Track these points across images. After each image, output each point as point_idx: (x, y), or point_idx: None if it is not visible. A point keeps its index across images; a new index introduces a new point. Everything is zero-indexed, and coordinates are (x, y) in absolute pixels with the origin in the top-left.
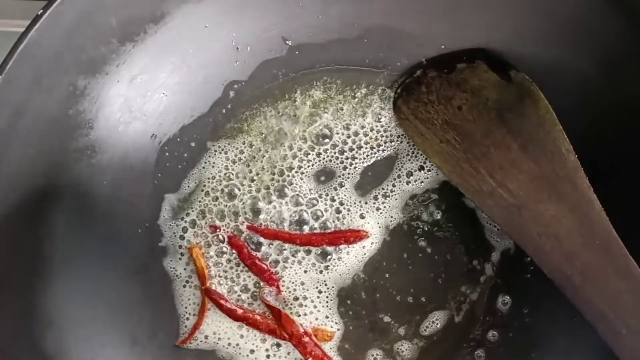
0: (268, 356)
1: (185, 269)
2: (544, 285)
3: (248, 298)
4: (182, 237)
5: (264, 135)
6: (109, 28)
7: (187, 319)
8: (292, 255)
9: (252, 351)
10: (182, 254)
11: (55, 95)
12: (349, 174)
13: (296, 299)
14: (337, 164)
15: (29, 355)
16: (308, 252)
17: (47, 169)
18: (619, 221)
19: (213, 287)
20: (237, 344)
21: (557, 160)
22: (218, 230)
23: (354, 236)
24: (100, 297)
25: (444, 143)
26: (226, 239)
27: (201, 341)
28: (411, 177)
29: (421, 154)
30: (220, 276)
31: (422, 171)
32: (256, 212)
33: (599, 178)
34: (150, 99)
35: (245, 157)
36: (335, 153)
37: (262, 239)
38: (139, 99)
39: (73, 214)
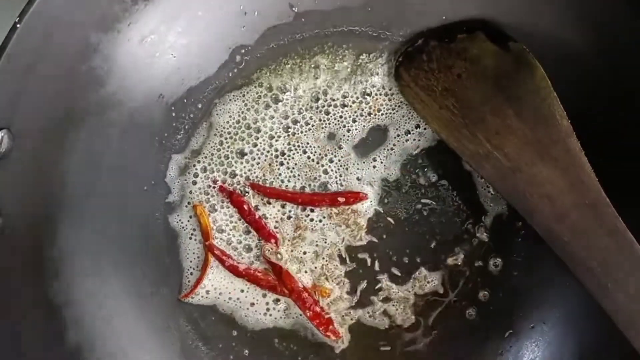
0: (268, 309)
1: (189, 221)
2: (534, 249)
3: (250, 257)
4: (188, 193)
5: (268, 96)
6: None
7: (191, 273)
8: (294, 214)
9: (252, 304)
10: (188, 203)
11: (68, 51)
12: (349, 136)
13: (296, 257)
14: (340, 126)
15: (36, 305)
16: (311, 211)
17: (59, 122)
18: (608, 184)
19: (216, 244)
20: (238, 298)
21: (551, 125)
22: (222, 187)
23: (353, 197)
24: (106, 251)
25: (443, 109)
26: (227, 195)
27: (202, 296)
28: (409, 135)
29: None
30: (222, 232)
31: (418, 129)
32: (255, 168)
33: (590, 143)
34: (159, 59)
35: (250, 115)
36: (336, 115)
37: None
38: (148, 59)
39: (82, 167)
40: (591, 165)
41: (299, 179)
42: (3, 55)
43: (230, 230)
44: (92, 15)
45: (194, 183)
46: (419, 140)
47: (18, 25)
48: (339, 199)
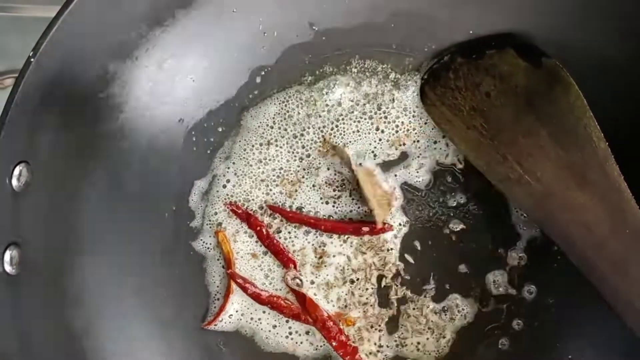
0: (290, 332)
1: (213, 243)
2: (571, 276)
3: (273, 284)
4: (211, 217)
5: (287, 116)
6: (138, 13)
7: (217, 298)
8: (316, 238)
9: (274, 326)
10: (213, 224)
11: (86, 79)
12: (374, 153)
13: (320, 283)
14: (363, 144)
15: (58, 333)
16: (330, 237)
17: (78, 152)
18: None
19: (239, 269)
20: (259, 319)
21: (587, 147)
22: (234, 210)
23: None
24: (128, 278)
25: (471, 130)
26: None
27: (225, 322)
28: (436, 144)
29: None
30: (245, 258)
31: (444, 138)
32: (276, 189)
33: (629, 166)
34: (178, 83)
35: (271, 137)
36: (359, 133)
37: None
38: (167, 83)
39: (102, 196)
40: (633, 190)
41: (321, 199)
42: (19, 90)
43: (254, 255)
44: (109, 43)
45: (217, 207)
46: (447, 150)
47: (32, 60)
48: (363, 228)
